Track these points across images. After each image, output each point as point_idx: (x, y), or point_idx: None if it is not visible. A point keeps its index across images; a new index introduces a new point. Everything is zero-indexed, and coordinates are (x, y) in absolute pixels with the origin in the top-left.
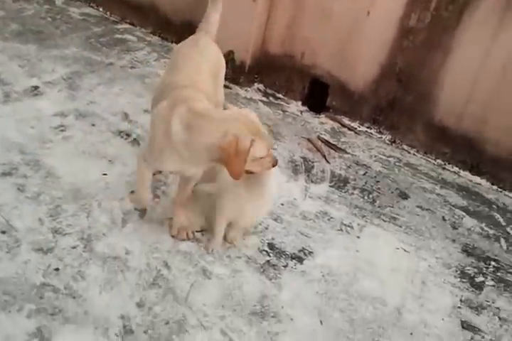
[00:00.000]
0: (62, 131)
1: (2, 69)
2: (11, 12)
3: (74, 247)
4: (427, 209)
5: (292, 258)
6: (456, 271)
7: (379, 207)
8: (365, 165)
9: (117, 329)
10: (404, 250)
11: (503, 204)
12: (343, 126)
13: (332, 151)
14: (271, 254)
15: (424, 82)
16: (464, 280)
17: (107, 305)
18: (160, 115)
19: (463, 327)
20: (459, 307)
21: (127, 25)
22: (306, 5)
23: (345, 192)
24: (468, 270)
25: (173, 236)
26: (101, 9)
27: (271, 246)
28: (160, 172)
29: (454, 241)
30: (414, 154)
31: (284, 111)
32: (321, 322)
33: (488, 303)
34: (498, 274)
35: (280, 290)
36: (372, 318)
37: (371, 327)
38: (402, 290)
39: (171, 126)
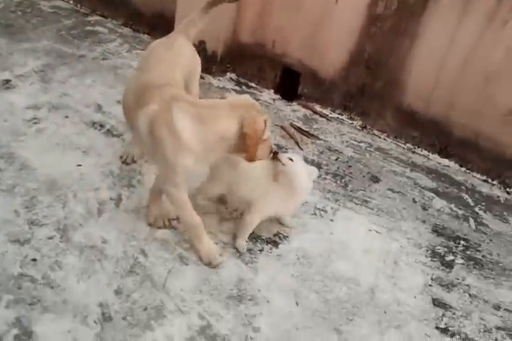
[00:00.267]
0: (35, 123)
1: None
2: None
3: (50, 238)
4: (397, 192)
5: (268, 242)
6: (427, 251)
7: (351, 191)
8: (337, 150)
9: (96, 316)
10: (377, 231)
11: (472, 185)
12: (315, 113)
13: (305, 138)
14: (247, 239)
15: (393, 68)
16: (435, 259)
17: (85, 293)
18: (157, 119)
19: (434, 304)
20: (430, 286)
21: (98, 17)
22: None
23: (318, 177)
24: (439, 249)
25: (150, 225)
26: (71, 2)
27: None
28: (134, 162)
29: (424, 221)
30: (384, 139)
31: (256, 100)
32: (296, 303)
33: (459, 281)
34: (468, 253)
35: (256, 274)
36: (347, 298)
37: (345, 307)
38: (375, 271)
39: (174, 125)
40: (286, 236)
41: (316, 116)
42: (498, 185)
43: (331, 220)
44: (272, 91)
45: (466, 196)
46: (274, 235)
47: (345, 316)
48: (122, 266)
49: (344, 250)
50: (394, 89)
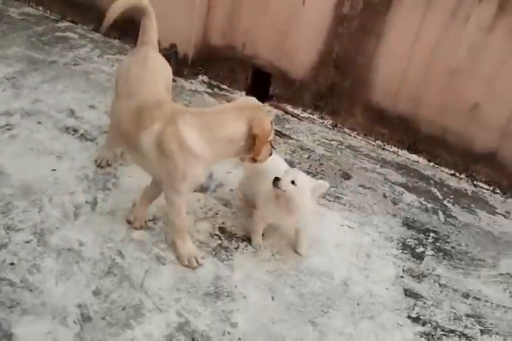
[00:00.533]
0: (8, 129)
1: None
2: None
3: (27, 242)
4: (368, 188)
5: (243, 240)
6: (398, 244)
7: None
8: (308, 149)
9: (75, 317)
10: (349, 226)
11: (440, 179)
12: (287, 113)
13: (277, 137)
14: (222, 238)
15: (360, 66)
16: (406, 251)
17: (63, 295)
18: (164, 137)
19: (406, 294)
20: (402, 277)
21: (68, 23)
22: None
23: None
24: (409, 242)
25: (128, 222)
26: (41, 8)
27: (222, 230)
28: (109, 165)
29: (395, 215)
30: (354, 137)
31: (229, 102)
32: (272, 298)
33: (429, 271)
34: (437, 244)
35: (233, 271)
36: (321, 291)
37: (320, 300)
38: (348, 264)
39: (183, 138)
40: (262, 234)
41: (288, 116)
42: (466, 179)
43: None
44: (243, 92)
45: (434, 190)
46: (250, 232)
47: (320, 309)
48: (100, 267)
49: (318, 245)
50: (362, 88)
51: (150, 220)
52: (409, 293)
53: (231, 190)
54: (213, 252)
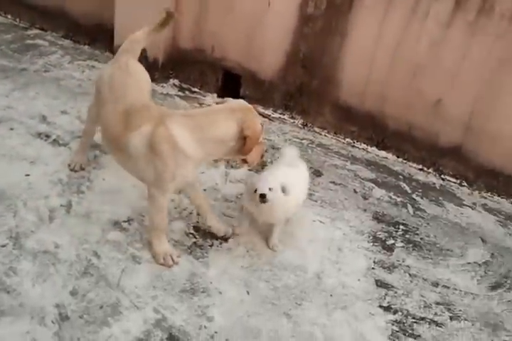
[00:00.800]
0: None
1: None
2: None
3: (3, 246)
4: (339, 184)
5: (217, 238)
6: (369, 237)
7: None
8: (280, 148)
9: (53, 316)
10: (321, 222)
11: (408, 174)
12: (258, 113)
13: None
14: (197, 236)
15: (327, 66)
16: (376, 244)
17: (41, 296)
18: (155, 137)
19: (377, 285)
20: (373, 268)
21: (38, 31)
22: (210, 0)
23: None
24: (380, 235)
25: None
26: (9, 16)
27: (196, 228)
28: (82, 169)
29: (365, 210)
30: (325, 135)
31: (200, 104)
32: (247, 292)
33: (399, 262)
34: (407, 236)
35: (208, 268)
36: (295, 285)
37: (294, 293)
38: (320, 258)
39: (174, 139)
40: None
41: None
42: (433, 173)
43: None
44: (214, 95)
45: (403, 184)
46: None
47: (294, 301)
48: (76, 268)
49: (291, 240)
50: (330, 87)
51: (125, 221)
52: (380, 284)
53: (204, 190)
54: (188, 250)
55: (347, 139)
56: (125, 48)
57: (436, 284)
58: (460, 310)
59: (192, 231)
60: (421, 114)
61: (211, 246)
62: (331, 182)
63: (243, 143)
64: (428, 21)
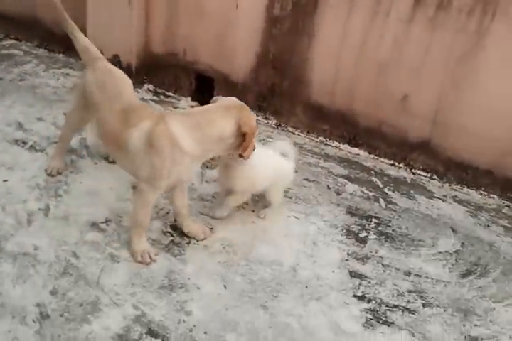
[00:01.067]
0: None
1: None
2: None
3: None
4: (313, 181)
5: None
6: (343, 230)
7: None
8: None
9: (34, 315)
10: (295, 217)
11: (380, 169)
12: None
13: None
14: (174, 235)
15: (296, 66)
16: (350, 236)
17: (21, 296)
18: (154, 134)
19: (351, 276)
20: (347, 260)
21: (12, 41)
22: (180, 4)
23: None
24: (353, 228)
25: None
26: None
27: (174, 227)
28: (60, 173)
29: (338, 205)
30: (298, 134)
31: (175, 108)
32: (224, 286)
33: (372, 254)
34: (379, 229)
35: (185, 265)
36: (271, 278)
37: (270, 286)
38: (295, 252)
39: (173, 135)
40: (212, 228)
41: None
42: (404, 168)
43: (252, 211)
44: (189, 98)
45: (375, 179)
46: None
47: (270, 293)
48: (56, 268)
49: (266, 236)
50: (300, 87)
51: (102, 222)
52: (354, 274)
53: None
54: (166, 248)
55: (320, 138)
56: (97, 56)
57: (408, 273)
58: (432, 297)
59: (169, 230)
60: (389, 111)
61: (188, 243)
62: (304, 179)
63: (242, 139)
64: (390, 18)
